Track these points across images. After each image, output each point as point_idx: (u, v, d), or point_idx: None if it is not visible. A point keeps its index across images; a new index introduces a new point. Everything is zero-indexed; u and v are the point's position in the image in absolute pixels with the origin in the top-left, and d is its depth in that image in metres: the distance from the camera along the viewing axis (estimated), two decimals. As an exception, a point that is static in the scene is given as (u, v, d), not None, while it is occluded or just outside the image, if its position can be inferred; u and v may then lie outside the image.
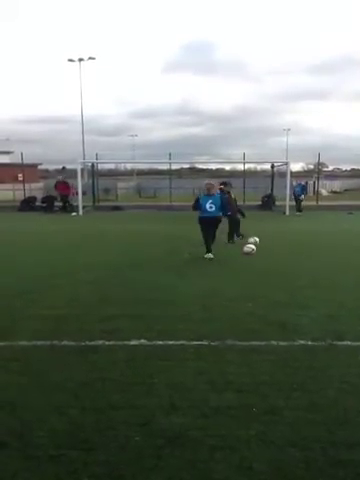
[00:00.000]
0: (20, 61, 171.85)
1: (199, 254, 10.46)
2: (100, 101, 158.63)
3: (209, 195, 10.15)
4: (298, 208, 23.04)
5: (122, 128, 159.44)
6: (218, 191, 10.84)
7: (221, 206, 10.11)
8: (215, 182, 11.56)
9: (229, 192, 12.20)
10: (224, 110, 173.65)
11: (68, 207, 24.60)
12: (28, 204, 25.56)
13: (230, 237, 12.43)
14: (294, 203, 23.31)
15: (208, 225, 10.12)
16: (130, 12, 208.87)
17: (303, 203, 23.42)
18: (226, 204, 10.55)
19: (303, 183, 24.58)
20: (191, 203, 10.67)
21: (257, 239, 11.56)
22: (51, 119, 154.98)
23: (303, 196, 23.31)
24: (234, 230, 12.53)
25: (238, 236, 12.54)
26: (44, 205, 25.51)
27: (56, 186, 25.45)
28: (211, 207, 10.03)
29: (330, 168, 74.07)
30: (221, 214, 10.21)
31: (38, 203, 26.10)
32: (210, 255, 9.97)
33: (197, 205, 10.24)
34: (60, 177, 26.56)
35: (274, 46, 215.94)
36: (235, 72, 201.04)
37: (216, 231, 10.33)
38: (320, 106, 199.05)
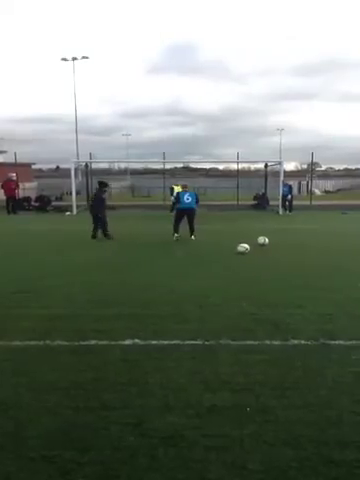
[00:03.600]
0: (6, 61, 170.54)
1: (193, 253, 10.53)
2: (89, 101, 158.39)
3: (185, 191, 13.03)
4: (289, 208, 23.35)
5: (112, 128, 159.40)
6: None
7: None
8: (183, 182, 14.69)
9: (106, 191, 13.94)
10: (213, 110, 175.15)
11: (13, 208, 23.42)
12: (22, 204, 25.34)
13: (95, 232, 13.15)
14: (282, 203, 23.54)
15: (184, 215, 12.72)
16: (115, 13, 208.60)
17: (293, 202, 23.77)
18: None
19: (290, 183, 24.89)
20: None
21: (267, 239, 11.73)
22: (41, 119, 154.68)
23: (290, 196, 23.57)
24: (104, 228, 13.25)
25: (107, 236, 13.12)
26: (37, 204, 25.42)
27: (3, 185, 23.86)
28: (188, 199, 12.73)
29: (323, 168, 74.43)
30: (195, 206, 12.81)
31: (32, 203, 25.92)
32: (177, 235, 12.57)
33: (177, 199, 13.04)
34: (11, 175, 24.45)
35: (256, 48, 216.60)
36: (220, 73, 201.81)
37: (193, 222, 12.79)
38: (308, 107, 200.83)
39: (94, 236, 13.09)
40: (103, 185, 13.88)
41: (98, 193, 13.68)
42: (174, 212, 13.65)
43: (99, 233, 13.08)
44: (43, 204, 25.34)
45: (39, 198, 26.06)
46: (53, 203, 26.74)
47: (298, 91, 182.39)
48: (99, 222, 13.14)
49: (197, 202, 12.96)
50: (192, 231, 12.83)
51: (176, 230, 12.69)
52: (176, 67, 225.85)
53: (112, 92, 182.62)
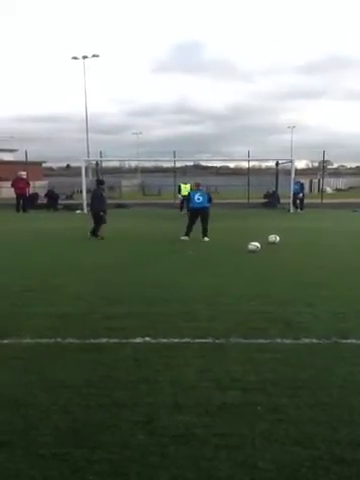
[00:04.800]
0: (12, 61, 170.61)
1: (203, 252, 10.51)
2: (95, 99, 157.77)
3: (197, 190, 12.87)
4: (301, 206, 23.23)
5: (119, 126, 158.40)
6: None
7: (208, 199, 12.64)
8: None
9: (104, 189, 13.88)
10: (221, 109, 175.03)
11: (24, 207, 23.38)
12: (32, 202, 25.44)
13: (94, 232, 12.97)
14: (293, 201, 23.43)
15: (198, 215, 12.37)
16: (119, 12, 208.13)
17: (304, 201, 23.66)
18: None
19: (302, 181, 24.81)
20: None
21: (278, 237, 11.74)
22: (49, 117, 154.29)
23: (302, 194, 23.46)
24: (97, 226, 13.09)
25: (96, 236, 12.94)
26: (46, 201, 25.55)
27: (14, 183, 23.93)
28: (199, 199, 12.47)
29: (335, 165, 73.93)
30: (208, 205, 12.51)
31: (41, 201, 26.05)
32: (186, 238, 12.24)
33: (188, 199, 12.97)
34: (22, 173, 24.60)
35: (262, 46, 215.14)
36: (227, 71, 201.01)
37: (207, 223, 12.41)
38: (315, 105, 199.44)
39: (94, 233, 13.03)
40: (101, 183, 13.98)
41: (97, 190, 13.68)
42: (184, 212, 13.59)
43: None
44: (52, 200, 25.41)
45: (48, 194, 26.14)
46: (64, 201, 26.85)
47: (305, 89, 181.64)
48: (98, 220, 13.01)
49: (210, 201, 12.61)
50: (205, 232, 12.39)
51: (188, 232, 12.38)
52: (182, 66, 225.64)
53: (118, 91, 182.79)
